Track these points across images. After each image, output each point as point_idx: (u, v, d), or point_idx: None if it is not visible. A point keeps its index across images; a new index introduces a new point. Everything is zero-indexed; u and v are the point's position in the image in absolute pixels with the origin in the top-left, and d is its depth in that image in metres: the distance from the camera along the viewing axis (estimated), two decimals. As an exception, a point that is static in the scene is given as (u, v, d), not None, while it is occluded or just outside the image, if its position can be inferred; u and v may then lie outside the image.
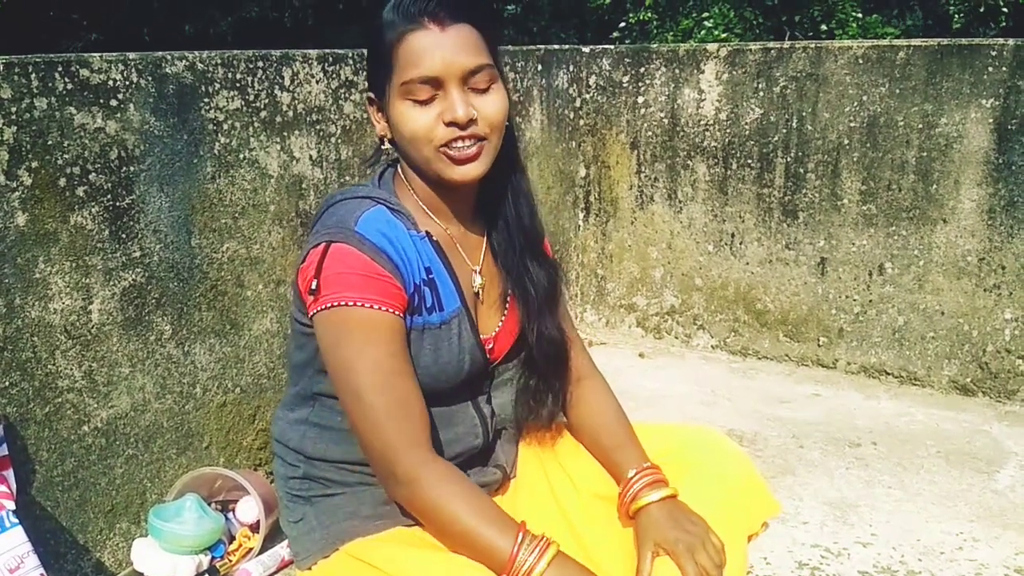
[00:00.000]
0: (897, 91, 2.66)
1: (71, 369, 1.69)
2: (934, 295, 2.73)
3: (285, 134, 2.06)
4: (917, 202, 2.70)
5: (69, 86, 1.62)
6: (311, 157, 2.13)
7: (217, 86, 1.89)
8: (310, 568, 1.45)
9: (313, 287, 1.25)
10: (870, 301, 2.83)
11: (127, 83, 1.71)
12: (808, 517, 2.10)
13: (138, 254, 1.78)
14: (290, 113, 2.06)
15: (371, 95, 1.34)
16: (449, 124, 1.26)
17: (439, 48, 1.26)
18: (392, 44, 1.26)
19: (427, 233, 1.36)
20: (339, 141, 2.20)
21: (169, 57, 1.80)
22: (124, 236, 1.75)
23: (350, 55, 2.20)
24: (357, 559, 1.39)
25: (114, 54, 1.70)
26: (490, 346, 1.46)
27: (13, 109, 1.54)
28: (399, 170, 1.41)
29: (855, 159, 2.76)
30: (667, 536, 1.36)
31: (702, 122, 3.00)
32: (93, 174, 1.68)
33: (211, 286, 1.94)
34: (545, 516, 1.57)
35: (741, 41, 2.91)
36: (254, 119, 1.98)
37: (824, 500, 2.18)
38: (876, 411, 2.68)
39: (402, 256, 1.31)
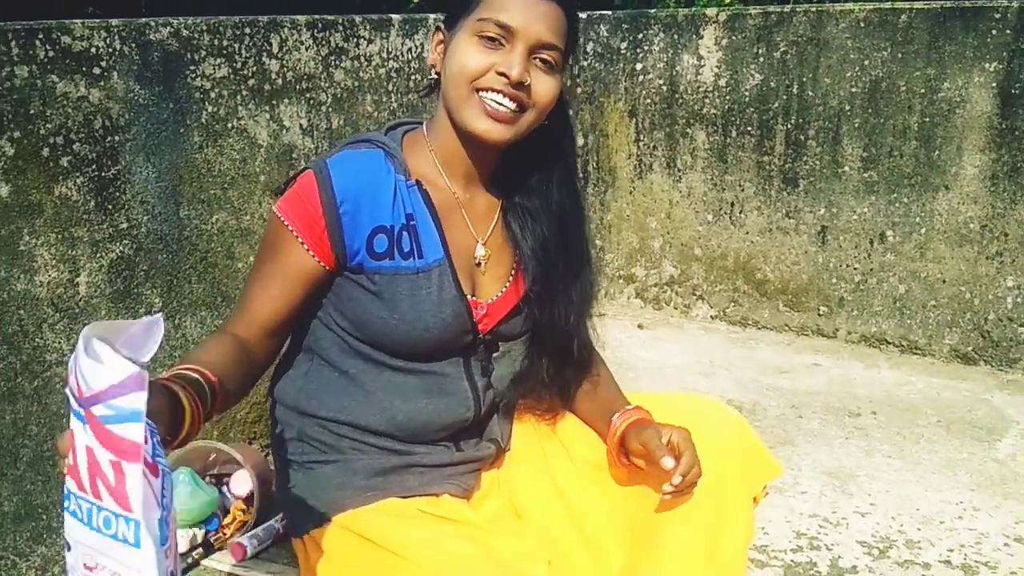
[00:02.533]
0: (899, 55, 2.61)
1: (59, 343, 1.67)
2: (936, 263, 2.70)
3: (274, 102, 2.02)
4: (919, 169, 2.66)
5: (51, 53, 1.58)
6: (301, 126, 2.10)
7: (203, 53, 1.85)
8: (302, 538, 1.44)
9: (279, 190, 1.40)
10: (871, 270, 2.80)
11: (110, 50, 1.68)
12: (807, 487, 2.08)
13: (125, 225, 1.75)
14: (279, 81, 2.02)
15: (441, 25, 1.37)
16: (500, 74, 1.28)
17: (528, 8, 1.29)
18: None
19: (417, 182, 1.37)
20: (330, 110, 2.16)
21: (153, 24, 1.76)
22: (111, 207, 1.72)
23: (340, 21, 2.16)
24: (349, 530, 1.39)
25: (96, 20, 1.66)
26: (482, 311, 1.45)
27: (-8, 77, 1.50)
28: (422, 128, 1.44)
29: (856, 125, 2.72)
30: (661, 430, 1.43)
31: (701, 89, 2.95)
32: (77, 144, 1.64)
33: (201, 258, 1.92)
34: (539, 489, 1.57)
35: (742, 5, 2.86)
36: (242, 87, 1.94)
37: (823, 470, 2.16)
38: (876, 380, 2.66)
39: (368, 203, 1.33)
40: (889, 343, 2.83)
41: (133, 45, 1.72)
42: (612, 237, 3.27)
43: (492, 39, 1.29)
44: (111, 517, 0.85)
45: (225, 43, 1.90)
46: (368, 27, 2.23)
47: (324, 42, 2.12)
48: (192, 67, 1.84)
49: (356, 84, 2.22)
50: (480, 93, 1.30)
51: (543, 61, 1.32)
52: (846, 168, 2.76)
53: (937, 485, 2.09)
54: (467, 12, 1.31)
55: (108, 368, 0.83)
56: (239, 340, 1.32)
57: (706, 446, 1.43)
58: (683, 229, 3.10)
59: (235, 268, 1.99)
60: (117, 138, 1.71)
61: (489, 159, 1.43)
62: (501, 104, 1.31)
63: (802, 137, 2.81)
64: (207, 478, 1.93)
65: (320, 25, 2.11)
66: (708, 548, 1.41)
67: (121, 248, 1.75)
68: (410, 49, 2.37)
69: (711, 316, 3.14)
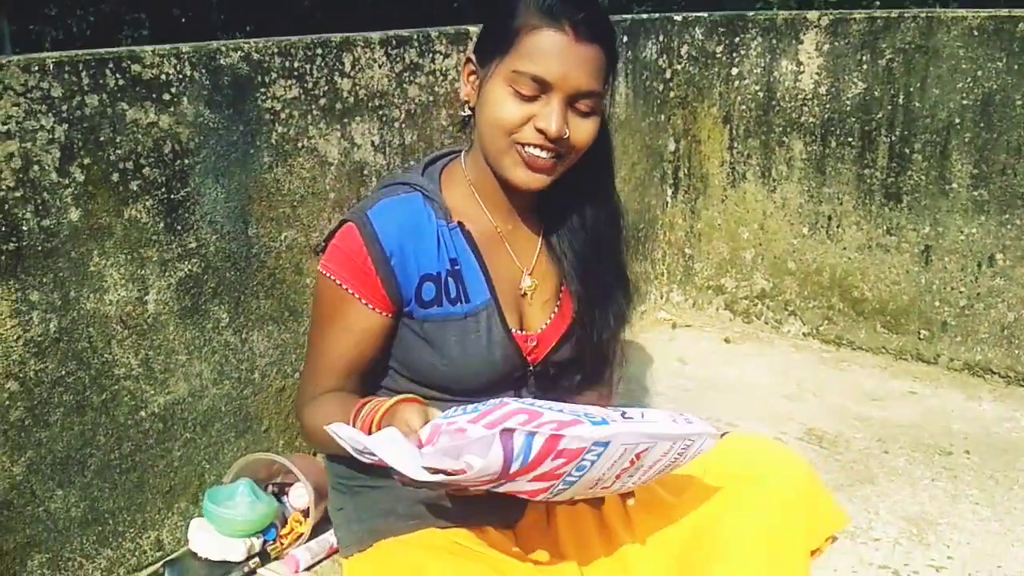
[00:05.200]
0: (1015, 66, 2.41)
1: (127, 358, 1.74)
2: (1050, 291, 2.50)
3: (346, 120, 2.04)
4: (1035, 189, 2.46)
5: (120, 82, 1.64)
6: (373, 143, 2.11)
7: (274, 75, 1.88)
8: (347, 558, 1.47)
9: (320, 248, 1.37)
10: (978, 294, 2.61)
11: (180, 76, 1.72)
12: (881, 533, 1.97)
13: (194, 245, 1.81)
14: (351, 99, 2.04)
15: (472, 57, 1.32)
16: (539, 131, 1.25)
17: (566, 57, 1.23)
18: (520, 29, 1.23)
19: (459, 223, 1.36)
20: (403, 126, 2.17)
21: (224, 48, 1.80)
22: (179, 228, 1.78)
23: (415, 37, 2.16)
24: (389, 558, 1.40)
25: (166, 47, 1.71)
26: (532, 344, 1.44)
27: (64, 107, 1.57)
28: (461, 157, 1.41)
29: (967, 140, 2.53)
30: None
31: (800, 96, 2.81)
32: (147, 168, 1.70)
33: (269, 274, 1.96)
34: (582, 524, 1.54)
35: (846, 10, 2.68)
36: (313, 107, 1.97)
37: (902, 514, 2.04)
38: (975, 414, 2.49)
39: (413, 251, 1.32)
40: (995, 373, 2.64)
41: (203, 70, 1.76)
42: (702, 246, 3.17)
43: (525, 96, 1.25)
44: None
45: (296, 64, 1.92)
46: (444, 41, 2.22)
47: (398, 59, 2.13)
48: (263, 89, 1.87)
49: (431, 99, 2.22)
50: (517, 145, 1.27)
51: (582, 107, 1.28)
52: (954, 185, 2.58)
53: (1027, 540, 1.95)
54: (501, 52, 1.26)
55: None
56: (340, 392, 1.37)
57: (766, 499, 1.39)
58: (776, 241, 2.98)
59: (303, 283, 2.03)
60: (187, 161, 1.76)
61: (530, 193, 1.40)
62: (539, 156, 1.28)
63: (907, 150, 2.63)
64: (269, 488, 1.99)
65: (394, 42, 2.11)
66: None
67: (189, 267, 1.81)
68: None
69: (803, 333, 3.01)
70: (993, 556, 1.89)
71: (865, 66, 2.65)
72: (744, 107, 2.94)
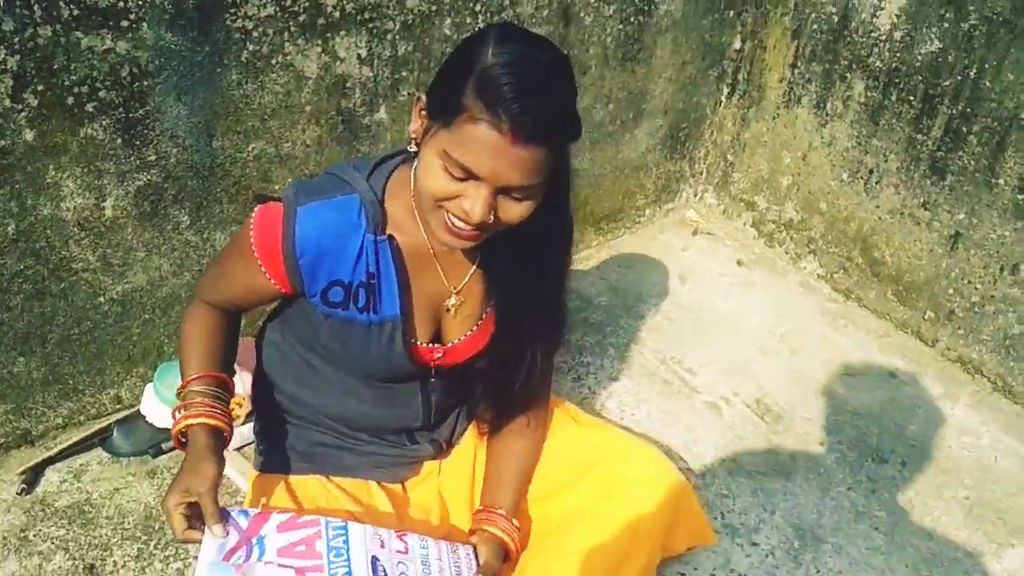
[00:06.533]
0: (1100, 82, 2.08)
1: (85, 255, 1.91)
2: (1062, 319, 2.32)
3: (328, 35, 1.99)
4: (1083, 213, 2.21)
5: (75, 12, 1.65)
6: (360, 56, 2.06)
7: (246, -5, 1.84)
8: (256, 471, 1.68)
9: (261, 199, 1.39)
10: (992, 296, 2.45)
11: (140, 3, 1.72)
12: (761, 538, 2.06)
13: (153, 158, 1.89)
14: (336, 14, 1.97)
15: (424, 99, 1.26)
16: (464, 210, 1.21)
17: (499, 158, 1.16)
18: (461, 109, 1.15)
19: (390, 237, 1.39)
20: (397, 37, 2.09)
21: (189, -30, 1.76)
22: (138, 143, 1.86)
23: (419, -53, 2.02)
24: (281, 489, 1.61)
25: (124, -27, 1.69)
26: (438, 355, 1.53)
27: (16, 40, 1.61)
28: (412, 166, 1.35)
29: (1029, 139, 2.25)
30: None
31: (873, 34, 2.50)
32: (103, 92, 1.75)
33: (234, 182, 2.04)
34: (459, 491, 1.70)
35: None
36: (291, 23, 1.92)
37: (794, 522, 2.11)
38: (941, 418, 2.44)
39: (330, 257, 1.36)
40: (984, 376, 2.54)
41: (165, -6, 1.74)
42: (744, 157, 3.00)
43: (455, 177, 1.20)
44: None
45: (273, -18, 1.86)
46: (456, -51, 2.07)
47: (396, -30, 2.01)
48: (232, 10, 1.83)
49: (432, 8, 2.11)
50: (444, 211, 1.25)
51: (515, 195, 1.22)
52: (1001, 181, 2.33)
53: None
54: (442, 122, 1.19)
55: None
56: (220, 317, 1.54)
57: (625, 508, 1.57)
58: (815, 177, 2.80)
59: (271, 190, 2.10)
60: (146, 83, 1.80)
61: None
62: (464, 230, 1.25)
63: (964, 129, 2.36)
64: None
65: (392, -47, 1.99)
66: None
67: (148, 177, 1.91)
68: (510, -34, 2.18)
69: (817, 275, 2.91)
70: (856, 589, 1.97)
71: (946, 24, 2.32)
72: (815, 26, 2.64)
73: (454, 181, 1.20)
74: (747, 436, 2.32)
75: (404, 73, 2.15)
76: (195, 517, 1.33)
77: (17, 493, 1.95)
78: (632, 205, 3.01)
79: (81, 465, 2.05)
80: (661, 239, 3.05)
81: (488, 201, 1.20)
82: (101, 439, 2.08)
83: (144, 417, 2.10)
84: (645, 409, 2.36)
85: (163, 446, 2.08)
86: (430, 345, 1.54)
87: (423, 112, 1.26)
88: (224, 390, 1.49)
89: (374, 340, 1.46)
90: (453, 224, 1.25)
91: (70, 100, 1.73)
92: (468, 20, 2.19)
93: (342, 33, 2.01)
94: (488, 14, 2.22)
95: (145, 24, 1.74)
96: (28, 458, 2.02)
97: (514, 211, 1.25)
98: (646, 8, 2.53)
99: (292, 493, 1.60)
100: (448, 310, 1.53)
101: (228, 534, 1.32)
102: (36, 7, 1.61)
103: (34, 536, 1.88)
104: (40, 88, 1.68)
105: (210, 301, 1.54)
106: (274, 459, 1.67)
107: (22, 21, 1.61)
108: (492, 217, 1.22)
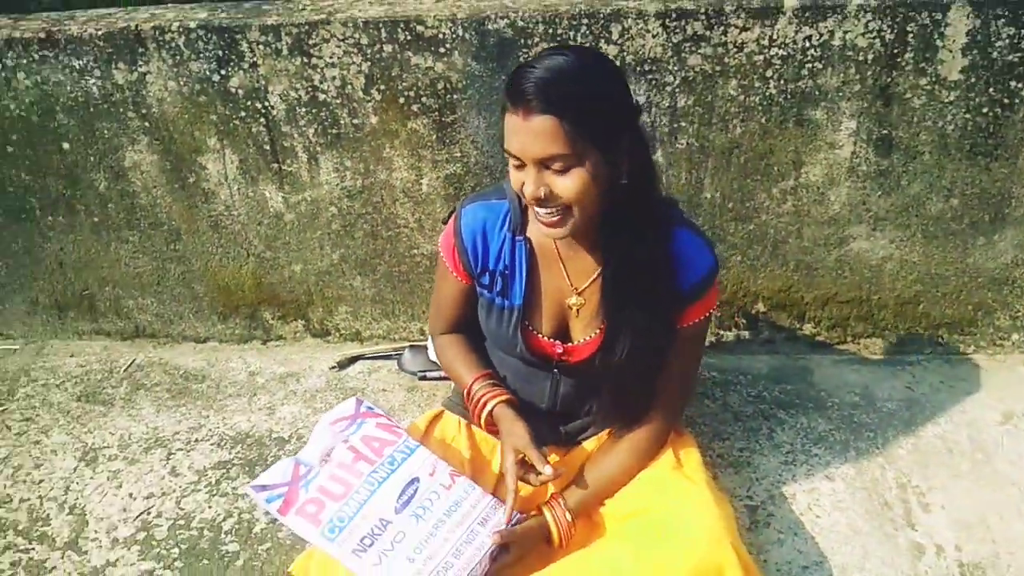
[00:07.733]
0: None
1: (406, 215, 2.61)
2: None
3: (609, 80, 2.32)
4: None
5: (408, 37, 2.32)
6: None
7: (537, 39, 2.29)
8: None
9: (444, 220, 1.89)
10: None
11: (454, 36, 2.31)
12: None
13: (458, 154, 2.48)
14: (616, 62, 2.29)
15: None
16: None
17: (520, 134, 1.45)
18: (502, 109, 1.50)
19: (527, 238, 1.78)
20: (677, 90, 2.31)
21: (492, 16, 2.28)
22: (447, 141, 2.47)
23: (701, 10, 2.21)
24: (435, 418, 2.07)
25: (445, 13, 2.30)
26: (559, 350, 1.84)
27: (369, 51, 2.35)
28: None
29: None
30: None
31: None
32: (424, 98, 2.40)
33: (520, 187, 2.52)
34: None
35: None
36: (575, 66, 2.32)
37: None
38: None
39: (481, 245, 1.77)
40: None
41: (473, 32, 2.30)
42: None
43: (516, 166, 1.50)
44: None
45: (559, 31, 2.28)
46: (743, 15, 2.19)
47: (677, 30, 2.23)
48: (524, 49, 2.31)
49: (716, 69, 2.27)
50: (532, 205, 1.55)
51: (555, 167, 1.46)
52: None
53: None
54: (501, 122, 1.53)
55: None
56: (457, 336, 1.99)
57: (676, 548, 1.64)
58: None
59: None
60: (455, 96, 2.39)
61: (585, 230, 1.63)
62: (545, 214, 1.54)
63: None
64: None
65: (673, 15, 2.21)
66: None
67: (453, 168, 2.51)
68: (809, 38, 2.21)
69: None
70: None
71: None
72: None
73: (516, 171, 1.52)
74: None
75: (684, 123, 2.36)
76: (523, 468, 1.75)
77: (330, 368, 2.76)
78: (990, 323, 2.61)
79: (378, 367, 2.77)
80: (998, 359, 2.59)
81: (535, 176, 1.47)
82: (398, 354, 2.78)
83: (427, 350, 2.73)
84: (835, 517, 2.16)
85: (428, 375, 2.68)
86: (552, 340, 1.83)
87: None
88: (496, 378, 1.91)
89: (504, 322, 1.84)
90: (537, 213, 1.56)
91: (402, 100, 2.41)
92: (757, 84, 2.29)
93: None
94: (782, 80, 2.27)
95: (456, 52, 2.33)
96: (350, 351, 2.82)
97: (561, 185, 1.47)
98: (1005, 101, 2.25)
99: (437, 423, 2.03)
100: (571, 308, 1.81)
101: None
102: (383, 31, 2.32)
103: (320, 397, 2.66)
104: (382, 87, 2.40)
105: (442, 331, 2.00)
106: (452, 399, 2.13)
107: (373, 39, 2.34)
108: (544, 192, 1.48)
